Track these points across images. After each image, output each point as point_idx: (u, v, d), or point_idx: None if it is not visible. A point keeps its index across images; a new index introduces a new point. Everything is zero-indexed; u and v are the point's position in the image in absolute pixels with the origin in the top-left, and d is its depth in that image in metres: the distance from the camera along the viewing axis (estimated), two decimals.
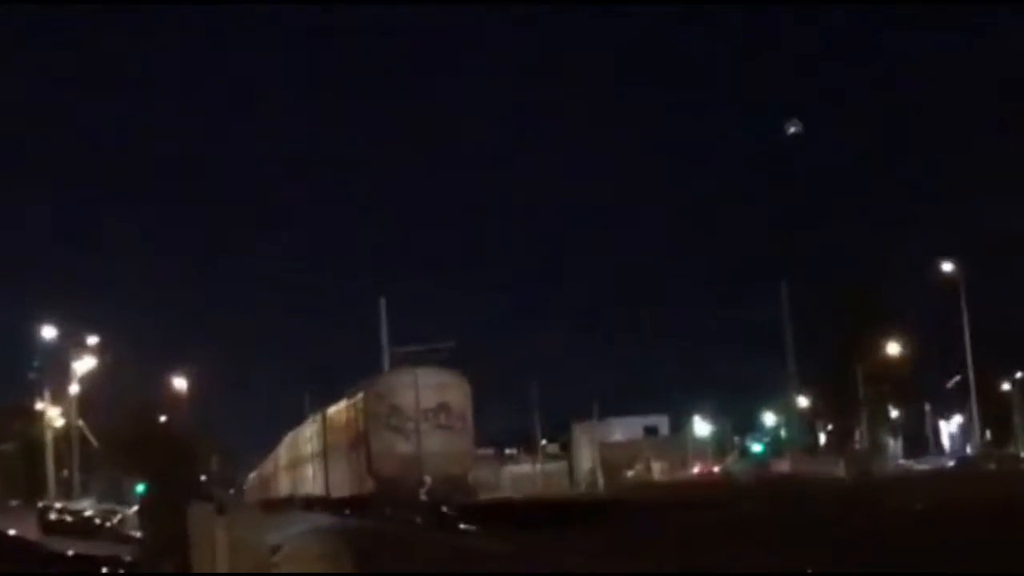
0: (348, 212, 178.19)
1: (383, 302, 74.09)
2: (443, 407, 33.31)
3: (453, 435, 33.35)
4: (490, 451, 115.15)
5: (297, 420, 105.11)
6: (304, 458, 49.87)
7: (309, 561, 6.14)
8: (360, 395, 35.10)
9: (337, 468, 39.15)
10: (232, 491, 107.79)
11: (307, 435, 49.46)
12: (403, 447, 32.79)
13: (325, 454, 42.30)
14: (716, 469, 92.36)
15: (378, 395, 33.96)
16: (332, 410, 41.03)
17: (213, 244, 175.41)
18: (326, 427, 42.38)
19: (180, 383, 76.06)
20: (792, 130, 65.02)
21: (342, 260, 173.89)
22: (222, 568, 11.29)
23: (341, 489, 38.17)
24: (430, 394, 33.35)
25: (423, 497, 31.89)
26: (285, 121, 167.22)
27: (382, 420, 33.21)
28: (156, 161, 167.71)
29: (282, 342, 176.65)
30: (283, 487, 59.85)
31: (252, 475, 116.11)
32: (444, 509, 31.14)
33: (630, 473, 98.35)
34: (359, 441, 34.57)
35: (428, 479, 32.01)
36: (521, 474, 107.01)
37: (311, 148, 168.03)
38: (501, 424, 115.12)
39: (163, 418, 66.16)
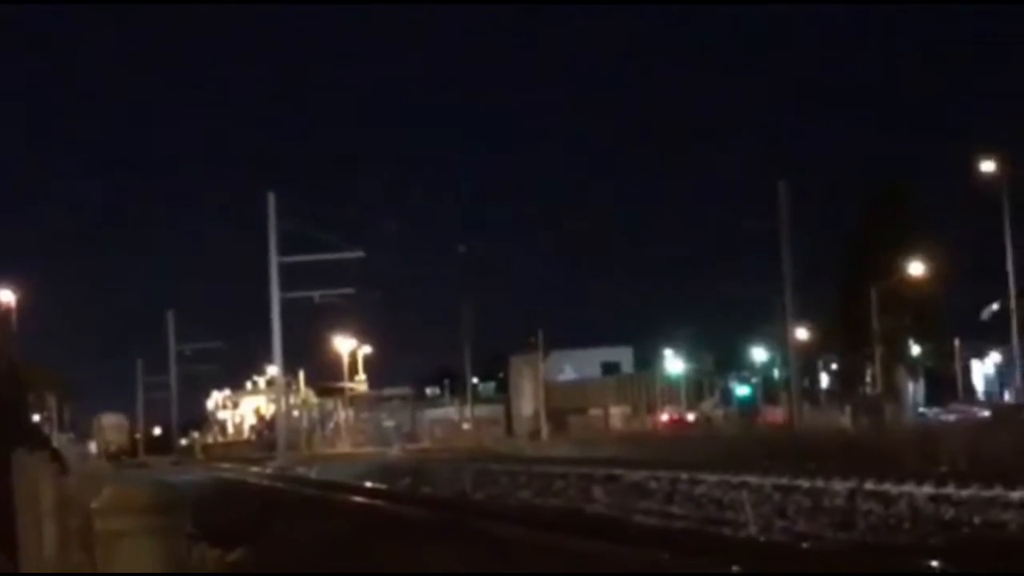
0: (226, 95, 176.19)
1: (272, 198, 73.44)
2: (119, 424, 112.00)
3: (121, 433, 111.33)
4: (404, 391, 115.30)
5: (160, 349, 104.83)
6: None
7: (131, 513, 5.96)
8: (94, 422, 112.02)
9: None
10: (72, 436, 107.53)
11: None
12: (111, 436, 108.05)
13: None
14: (691, 417, 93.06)
15: (99, 423, 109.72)
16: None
17: (53, 122, 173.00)
18: None
19: (4, 296, 75.08)
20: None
21: (223, 150, 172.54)
22: (49, 530, 11.05)
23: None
24: (116, 421, 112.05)
25: (112, 450, 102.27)
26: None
27: (100, 431, 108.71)
28: None
29: (145, 249, 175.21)
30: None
31: (102, 419, 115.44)
32: (122, 458, 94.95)
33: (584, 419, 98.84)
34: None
35: (114, 446, 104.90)
36: (445, 420, 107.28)
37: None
38: (421, 357, 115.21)
39: None
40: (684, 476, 34.69)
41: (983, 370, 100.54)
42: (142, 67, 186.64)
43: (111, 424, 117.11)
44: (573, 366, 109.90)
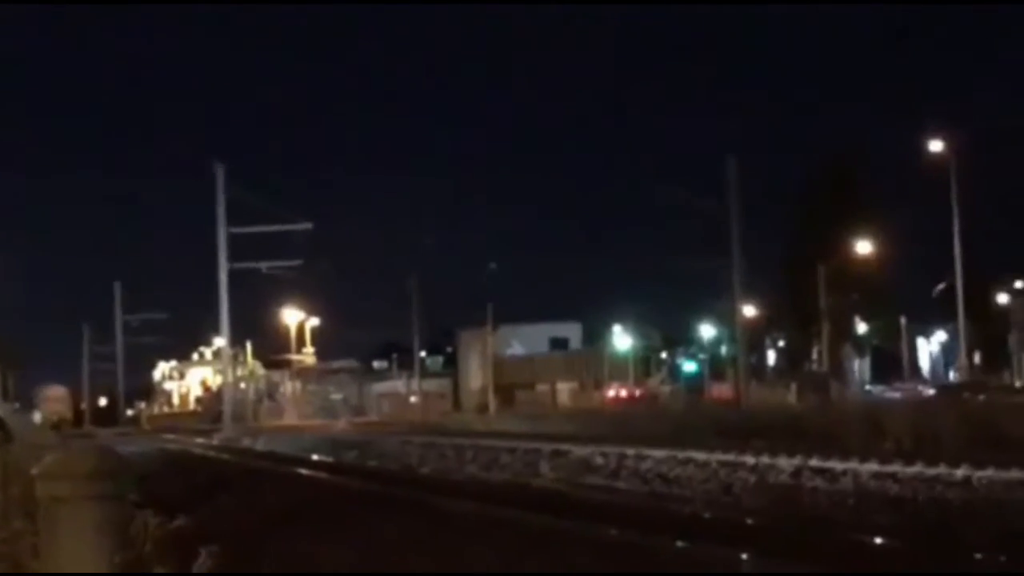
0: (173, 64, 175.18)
1: (220, 170, 73.06)
2: (61, 396, 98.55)
3: (63, 405, 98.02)
4: (350, 363, 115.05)
5: (106, 319, 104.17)
6: None
7: (73, 478, 5.89)
8: (41, 394, 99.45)
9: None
10: (18, 406, 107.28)
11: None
12: (53, 408, 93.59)
13: None
14: (638, 392, 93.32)
15: (42, 395, 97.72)
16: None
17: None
18: None
19: None
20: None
21: (171, 119, 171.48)
22: None
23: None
24: (58, 393, 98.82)
25: (54, 421, 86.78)
26: None
27: (43, 402, 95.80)
28: None
29: (89, 217, 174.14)
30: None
31: (45, 391, 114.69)
32: (61, 428, 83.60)
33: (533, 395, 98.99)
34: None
35: (56, 417, 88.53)
36: (393, 393, 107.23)
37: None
38: (369, 330, 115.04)
39: None
40: (631, 452, 34.77)
41: (928, 348, 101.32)
42: (101, 39, 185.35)
43: (54, 396, 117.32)
44: (521, 341, 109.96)
